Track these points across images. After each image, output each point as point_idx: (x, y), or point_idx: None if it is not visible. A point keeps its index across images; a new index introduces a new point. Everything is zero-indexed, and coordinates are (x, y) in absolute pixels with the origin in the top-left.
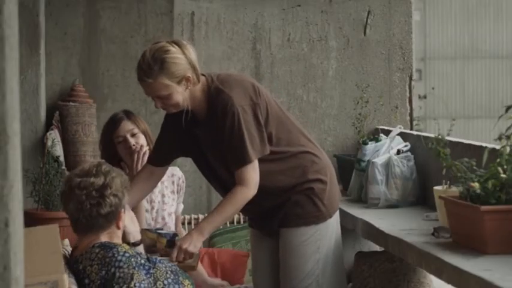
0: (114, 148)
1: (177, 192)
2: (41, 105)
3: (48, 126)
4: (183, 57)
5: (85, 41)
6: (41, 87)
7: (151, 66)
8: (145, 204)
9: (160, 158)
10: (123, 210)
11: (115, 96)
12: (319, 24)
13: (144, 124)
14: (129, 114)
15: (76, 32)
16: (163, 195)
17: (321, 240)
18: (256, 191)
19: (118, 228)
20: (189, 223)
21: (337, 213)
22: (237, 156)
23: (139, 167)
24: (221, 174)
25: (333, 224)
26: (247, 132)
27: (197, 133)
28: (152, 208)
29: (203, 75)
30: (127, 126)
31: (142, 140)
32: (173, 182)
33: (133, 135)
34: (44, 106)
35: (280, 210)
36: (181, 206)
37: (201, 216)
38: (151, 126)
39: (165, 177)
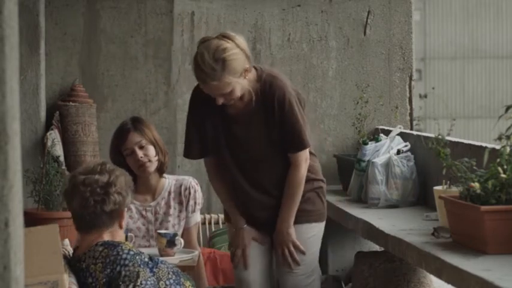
0: (123, 158)
1: (185, 204)
2: (41, 105)
3: (48, 126)
4: (239, 51)
5: (85, 41)
6: (41, 87)
7: (214, 68)
8: (149, 215)
9: (196, 150)
10: (125, 209)
11: (115, 96)
12: (319, 24)
13: (152, 131)
14: (136, 125)
15: (76, 32)
16: (168, 207)
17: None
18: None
19: (120, 227)
20: None
21: None
22: (297, 141)
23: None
24: (256, 156)
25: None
26: (302, 119)
27: (230, 117)
28: (156, 219)
29: None
30: (134, 138)
31: (150, 151)
32: (180, 193)
33: (141, 147)
34: (44, 106)
35: None
36: (195, 219)
37: (201, 217)
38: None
39: (173, 188)
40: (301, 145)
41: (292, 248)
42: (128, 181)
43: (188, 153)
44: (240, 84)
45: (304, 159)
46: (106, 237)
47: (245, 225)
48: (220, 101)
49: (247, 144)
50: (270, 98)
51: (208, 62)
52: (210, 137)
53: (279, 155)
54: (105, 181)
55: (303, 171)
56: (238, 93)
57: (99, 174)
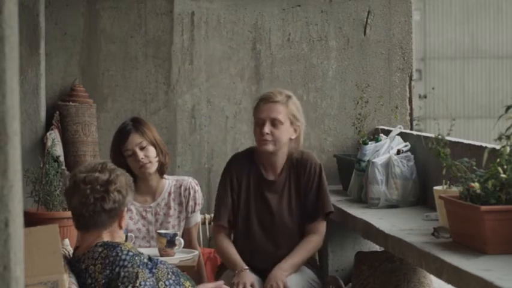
0: (124, 158)
1: (185, 204)
2: (41, 105)
3: (48, 126)
4: (299, 112)
5: (85, 41)
6: (41, 87)
7: (282, 94)
8: (149, 216)
9: (226, 215)
10: (125, 210)
11: (115, 96)
12: (319, 24)
13: (153, 132)
14: (137, 126)
15: (76, 32)
16: (169, 208)
17: None
18: None
19: (120, 227)
20: None
21: None
22: (326, 205)
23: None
24: (283, 223)
25: None
26: (327, 189)
27: (264, 185)
28: (156, 220)
29: None
30: (135, 139)
31: (151, 152)
32: (180, 194)
33: (142, 148)
34: (44, 106)
35: None
36: (195, 219)
37: (201, 217)
38: None
39: (172, 189)
40: (327, 208)
41: None
42: (128, 181)
43: (223, 218)
44: (287, 130)
45: (324, 229)
46: (105, 237)
47: (247, 268)
48: (267, 129)
49: (278, 213)
50: (303, 168)
51: (278, 90)
52: (241, 204)
53: (302, 220)
54: (105, 179)
55: (319, 243)
56: (282, 135)
57: (99, 173)
